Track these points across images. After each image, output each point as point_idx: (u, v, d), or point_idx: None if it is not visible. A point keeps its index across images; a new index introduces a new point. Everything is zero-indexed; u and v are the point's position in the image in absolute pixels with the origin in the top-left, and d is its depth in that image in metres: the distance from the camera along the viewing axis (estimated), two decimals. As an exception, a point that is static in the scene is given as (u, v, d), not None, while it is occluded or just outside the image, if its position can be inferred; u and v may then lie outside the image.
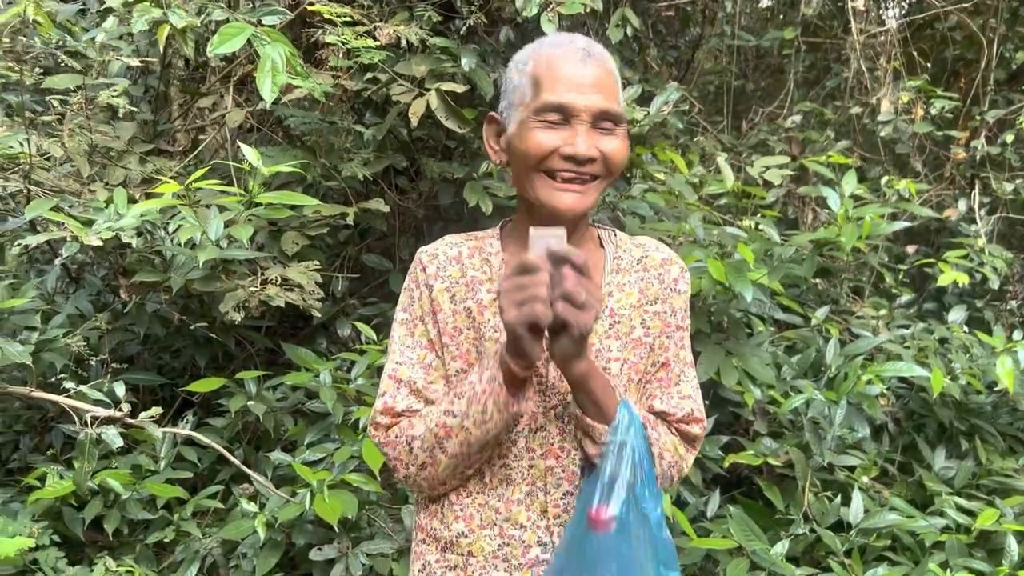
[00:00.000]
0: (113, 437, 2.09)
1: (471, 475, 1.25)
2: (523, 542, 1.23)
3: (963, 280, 3.40)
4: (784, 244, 3.19)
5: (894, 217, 3.55)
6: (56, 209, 2.27)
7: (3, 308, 2.21)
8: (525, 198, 1.24)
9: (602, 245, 1.33)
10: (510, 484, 1.24)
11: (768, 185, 4.21)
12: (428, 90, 2.75)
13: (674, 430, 1.31)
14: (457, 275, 1.27)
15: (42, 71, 2.89)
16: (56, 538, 2.44)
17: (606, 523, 1.11)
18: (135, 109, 2.80)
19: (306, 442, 2.73)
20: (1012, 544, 2.51)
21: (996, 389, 3.06)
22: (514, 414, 1.16)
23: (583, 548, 1.13)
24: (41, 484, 2.44)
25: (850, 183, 3.05)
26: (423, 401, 1.26)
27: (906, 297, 3.91)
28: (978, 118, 4.16)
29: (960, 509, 2.69)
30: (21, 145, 2.34)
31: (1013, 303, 3.66)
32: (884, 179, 3.45)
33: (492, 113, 1.28)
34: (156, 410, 2.20)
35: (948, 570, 2.47)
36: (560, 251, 1.06)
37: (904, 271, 4.07)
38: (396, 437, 1.25)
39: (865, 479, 2.87)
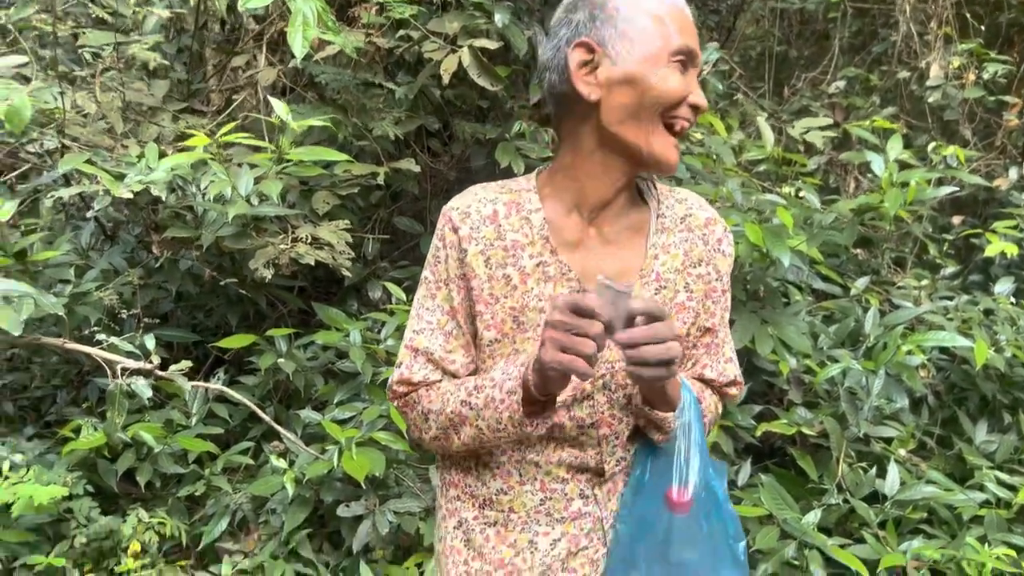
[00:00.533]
0: (143, 388, 2.10)
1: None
2: (565, 495, 1.20)
3: (1012, 251, 3.28)
4: (825, 211, 3.10)
5: (941, 185, 3.44)
6: (89, 163, 2.28)
7: (38, 260, 2.23)
8: (622, 140, 1.13)
9: (644, 201, 1.25)
10: (551, 442, 1.19)
11: (809, 151, 4.11)
12: (460, 47, 2.70)
13: (718, 393, 1.31)
14: (493, 237, 1.17)
15: (76, 25, 2.90)
16: (90, 488, 2.48)
17: (685, 505, 1.13)
18: (168, 65, 2.79)
19: (335, 401, 2.74)
20: (1055, 520, 2.44)
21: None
22: (527, 434, 1.12)
23: (659, 527, 1.14)
24: (76, 436, 2.48)
25: (895, 147, 2.94)
26: (440, 371, 1.21)
27: (950, 269, 3.79)
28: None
29: (1001, 484, 2.62)
30: (55, 99, 2.35)
31: (1063, 275, 3.52)
32: (931, 146, 3.32)
33: (586, 39, 1.12)
34: (186, 363, 2.21)
35: (987, 544, 2.40)
36: (638, 309, 0.99)
37: (949, 242, 3.95)
38: (414, 404, 1.22)
39: (902, 451, 2.80)
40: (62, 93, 2.32)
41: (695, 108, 1.13)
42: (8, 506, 2.33)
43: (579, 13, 1.15)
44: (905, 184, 2.83)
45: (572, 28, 1.15)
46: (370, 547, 2.56)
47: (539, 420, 1.11)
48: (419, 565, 2.50)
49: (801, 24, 5.71)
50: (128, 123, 2.83)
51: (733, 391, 1.31)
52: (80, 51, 2.65)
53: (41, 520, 2.38)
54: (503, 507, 1.21)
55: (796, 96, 4.54)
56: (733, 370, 1.31)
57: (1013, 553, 2.37)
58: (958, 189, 3.24)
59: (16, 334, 1.92)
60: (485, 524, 1.22)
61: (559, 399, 1.14)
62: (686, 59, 1.11)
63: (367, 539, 2.45)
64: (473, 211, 1.19)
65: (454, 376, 1.22)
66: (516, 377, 1.09)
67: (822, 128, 3.40)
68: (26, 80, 2.54)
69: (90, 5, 2.85)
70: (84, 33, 2.82)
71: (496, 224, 1.18)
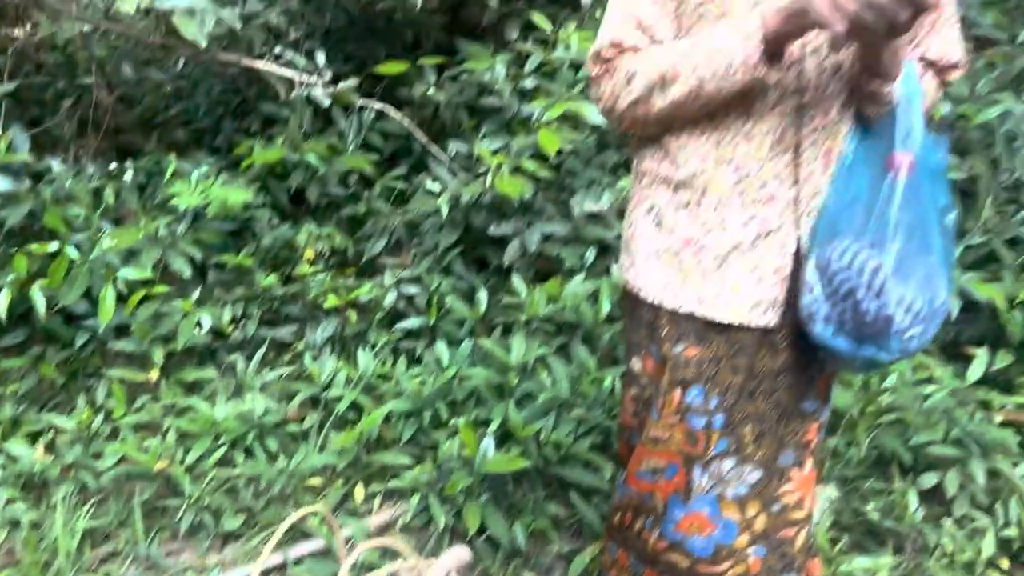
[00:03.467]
0: (323, 98, 2.24)
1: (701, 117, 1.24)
2: (760, 176, 1.22)
3: None
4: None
5: None
6: None
7: (209, -21, 2.32)
8: None
9: None
10: (751, 118, 1.21)
11: None
12: None
13: (936, 75, 1.29)
14: None
15: None
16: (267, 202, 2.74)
17: (909, 166, 1.15)
18: None
19: (482, 134, 2.84)
20: None
21: None
22: (759, 79, 1.13)
23: (879, 193, 1.17)
24: (249, 155, 2.70)
25: None
26: (649, 38, 1.24)
27: None
28: None
29: None
30: None
31: None
32: None
33: None
34: (353, 81, 2.33)
35: None
36: None
37: None
38: (616, 69, 1.25)
39: (1052, 201, 2.73)
40: None
41: None
42: (198, 213, 2.62)
43: None
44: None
45: None
46: (514, 266, 2.77)
47: (777, 65, 1.14)
48: (561, 285, 2.70)
49: None
50: None
51: (955, 74, 1.30)
52: None
53: (229, 226, 2.66)
54: (698, 188, 1.25)
55: None
56: (957, 52, 1.28)
57: None
58: None
59: (203, 45, 2.05)
60: (678, 205, 1.28)
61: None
62: None
63: (515, 257, 2.64)
64: None
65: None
66: (755, 22, 1.11)
67: None
68: None
69: None
70: None
71: None
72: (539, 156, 2.70)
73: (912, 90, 1.17)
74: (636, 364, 1.41)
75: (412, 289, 2.66)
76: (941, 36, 1.27)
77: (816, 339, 1.22)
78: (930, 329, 1.18)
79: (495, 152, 2.76)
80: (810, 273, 1.21)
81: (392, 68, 2.71)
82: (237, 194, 2.37)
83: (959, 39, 1.28)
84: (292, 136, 2.34)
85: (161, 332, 2.40)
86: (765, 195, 1.23)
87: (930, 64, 1.28)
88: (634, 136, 1.37)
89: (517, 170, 2.65)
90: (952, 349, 2.62)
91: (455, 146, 2.87)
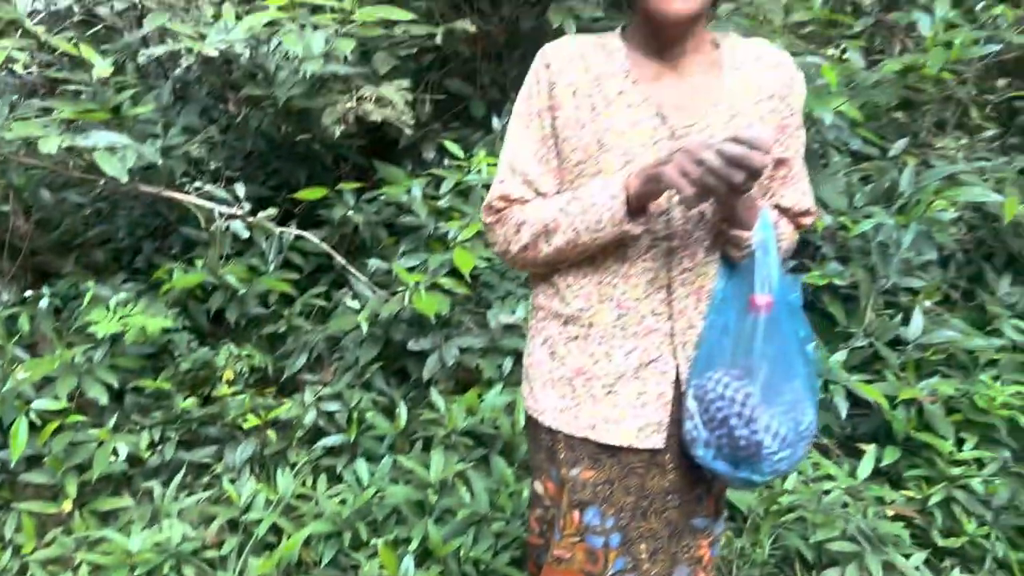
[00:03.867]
0: (241, 230, 2.33)
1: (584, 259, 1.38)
2: (639, 312, 1.35)
3: (1052, 113, 3.34)
4: (868, 72, 3.16)
5: (992, 44, 3.44)
6: (169, 22, 2.42)
7: (131, 115, 2.42)
8: (641, 7, 1.28)
9: (717, 46, 1.39)
10: (626, 261, 1.35)
11: (856, 13, 4.09)
12: (516, -95, 2.74)
13: (791, 221, 1.47)
14: (581, 71, 1.33)
15: None
16: (187, 324, 2.77)
17: (768, 306, 1.29)
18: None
19: (400, 251, 2.96)
20: (1065, 362, 2.64)
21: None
22: (626, 232, 1.29)
23: (744, 329, 1.30)
24: (169, 279, 2.74)
25: (943, 6, 2.97)
26: (533, 192, 1.39)
27: (991, 131, 3.85)
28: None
29: (1018, 330, 2.81)
30: (134, -40, 2.47)
31: (1102, 137, 3.57)
32: (980, 5, 3.33)
33: None
34: (272, 210, 2.43)
35: (999, 383, 2.62)
36: (741, 135, 1.11)
37: (992, 104, 3.98)
38: (507, 218, 1.39)
39: (928, 303, 2.98)
40: (140, -46, 2.44)
41: None
42: (116, 338, 2.63)
43: None
44: (949, 44, 2.88)
45: None
46: (434, 380, 2.85)
47: (639, 220, 1.29)
48: (479, 396, 2.78)
49: None
50: (195, -16, 2.94)
51: (807, 220, 1.48)
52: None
53: (147, 351, 2.68)
54: (584, 323, 1.39)
55: (847, -46, 4.45)
56: (808, 201, 1.46)
57: (1023, 389, 2.59)
58: (999, 48, 3.26)
59: (124, 181, 2.13)
60: (568, 338, 1.41)
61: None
62: None
63: (434, 371, 2.73)
64: (564, 51, 1.36)
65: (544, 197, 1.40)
66: (619, 183, 1.27)
67: (871, -13, 3.39)
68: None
69: None
70: None
71: (584, 61, 1.35)
72: (455, 272, 2.82)
73: (768, 237, 1.32)
74: (539, 486, 1.50)
75: (332, 406, 2.71)
76: (793, 187, 1.45)
77: (698, 462, 1.33)
78: (799, 451, 1.31)
79: (413, 269, 2.88)
80: (690, 401, 1.34)
81: (311, 194, 2.83)
82: (156, 321, 2.41)
83: (809, 190, 1.47)
84: (212, 264, 2.41)
85: (75, 462, 2.37)
86: (644, 328, 1.37)
87: (784, 211, 1.46)
88: (529, 274, 1.50)
89: (435, 286, 2.77)
90: (848, 445, 2.79)
91: (374, 263, 2.98)
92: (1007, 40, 3.40)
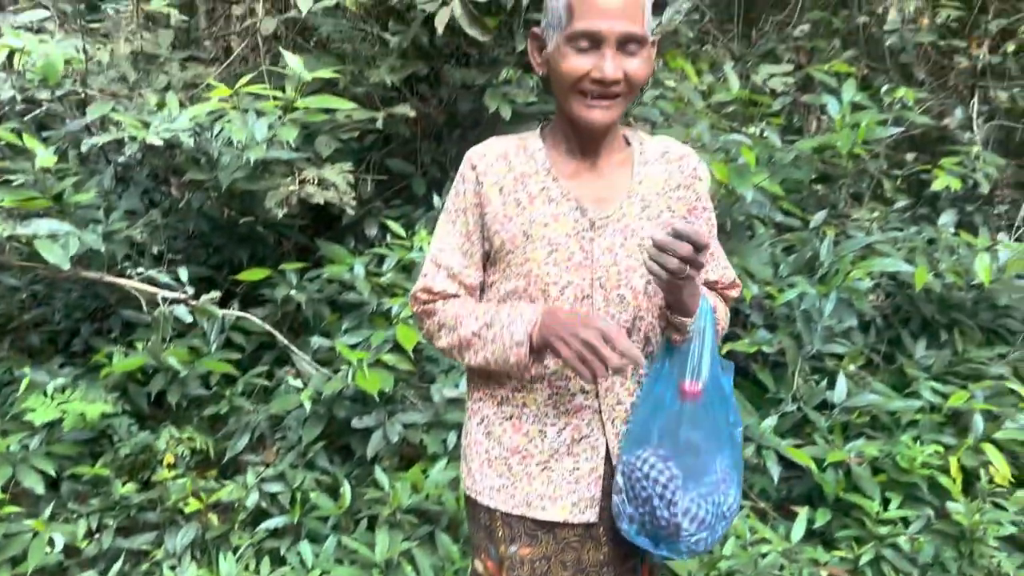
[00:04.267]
0: (184, 314, 2.36)
1: None
2: (569, 391, 1.45)
3: (955, 185, 3.59)
4: (786, 150, 3.37)
5: (897, 124, 3.70)
6: (113, 111, 2.48)
7: (73, 202, 2.44)
8: (560, 107, 1.42)
9: (628, 144, 1.53)
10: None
11: (774, 93, 4.36)
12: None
13: (721, 296, 1.59)
14: (505, 171, 1.45)
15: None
16: (127, 408, 2.75)
17: (696, 395, 1.38)
18: (175, 15, 2.95)
19: (343, 328, 3.00)
20: (979, 422, 2.80)
21: (974, 284, 3.29)
22: (528, 367, 1.38)
23: (672, 411, 1.39)
24: (108, 362, 2.73)
25: (849, 91, 3.21)
26: (458, 283, 1.48)
27: (903, 202, 4.10)
28: (983, 27, 4.26)
29: (935, 392, 2.97)
30: (78, 52, 2.53)
31: (1001, 207, 3.85)
32: (884, 88, 3.59)
33: (535, 29, 1.44)
34: (216, 293, 2.46)
35: (919, 443, 2.76)
36: (678, 228, 1.24)
37: (902, 177, 4.25)
38: (432, 313, 1.49)
39: (852, 367, 3.14)
40: (85, 46, 2.50)
41: (598, 81, 1.34)
42: (53, 424, 2.60)
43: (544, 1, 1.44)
44: (857, 125, 3.11)
45: (522, 24, 1.44)
46: (378, 457, 2.86)
47: (535, 364, 1.41)
48: (424, 472, 2.80)
49: (770, -34, 5.88)
50: (138, 72, 3.01)
51: (734, 292, 1.60)
52: (104, 6, 2.81)
53: (86, 437, 2.65)
54: (517, 403, 1.47)
55: (763, 39, 4.77)
56: (731, 273, 1.58)
57: (941, 449, 2.73)
58: (903, 129, 3.51)
59: (65, 268, 2.15)
60: (503, 418, 1.49)
61: (563, 297, 1.42)
62: (589, 40, 1.33)
63: (379, 448, 2.75)
64: (489, 152, 1.48)
65: (468, 289, 1.49)
66: (524, 333, 1.36)
67: (782, 74, 3.64)
68: (43, 32, 2.71)
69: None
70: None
71: (507, 161, 1.47)
72: (399, 348, 2.87)
73: (707, 325, 1.41)
74: (479, 565, 1.54)
75: (275, 487, 2.70)
76: (715, 264, 1.58)
77: (624, 535, 1.40)
78: (717, 532, 1.40)
79: (356, 346, 2.92)
80: (619, 476, 1.41)
81: (253, 275, 2.87)
82: (95, 407, 2.39)
83: (728, 265, 1.60)
84: (154, 348, 2.42)
85: (9, 554, 2.31)
86: (575, 406, 1.45)
87: (712, 285, 1.58)
88: None
89: (378, 363, 2.81)
90: (784, 508, 2.89)
91: (317, 341, 3.01)
92: (910, 120, 3.67)
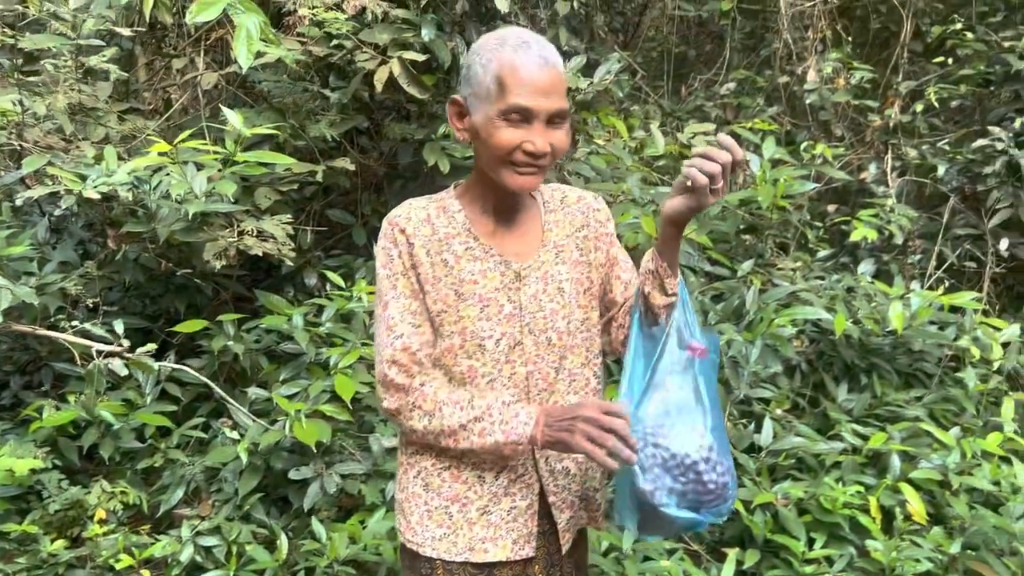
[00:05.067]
0: (120, 368, 2.34)
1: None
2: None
3: (872, 236, 3.80)
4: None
5: (819, 179, 3.91)
6: (49, 164, 2.48)
7: (5, 255, 2.42)
8: (486, 173, 1.49)
9: (534, 197, 1.63)
10: (492, 391, 1.49)
11: (704, 148, 4.55)
12: (390, 57, 3.00)
13: None
14: (429, 233, 1.50)
15: (14, 34, 3.05)
16: (57, 463, 2.70)
17: (704, 351, 1.43)
18: (114, 70, 2.98)
19: (281, 379, 3.01)
20: (895, 461, 2.93)
21: (887, 330, 3.47)
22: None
23: (689, 372, 1.42)
24: (39, 416, 2.69)
25: (770, 147, 3.39)
26: (423, 355, 1.49)
27: (825, 252, 4.31)
28: (895, 88, 4.55)
29: (856, 434, 3.11)
30: (14, 105, 2.54)
31: (914, 256, 4.08)
32: (803, 145, 3.80)
33: (456, 97, 1.50)
34: (152, 345, 2.46)
35: (841, 483, 2.88)
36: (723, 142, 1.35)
37: (824, 228, 4.46)
38: (401, 391, 1.48)
39: (778, 411, 3.26)
40: (22, 99, 2.51)
41: (530, 154, 1.43)
42: (-21, 481, 2.54)
43: (463, 69, 1.52)
44: (777, 180, 3.28)
45: (459, 82, 1.53)
46: (316, 508, 2.86)
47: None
48: (362, 522, 2.81)
49: (699, 26, 6.19)
50: (75, 124, 3.02)
51: None
52: (40, 60, 2.82)
53: (14, 493, 2.59)
54: (455, 452, 1.50)
55: (692, 96, 4.99)
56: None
57: (863, 489, 2.85)
58: (819, 185, 3.72)
59: (-2, 322, 2.13)
60: (441, 468, 1.53)
61: (497, 348, 1.48)
62: (519, 115, 1.42)
63: (316, 499, 2.75)
64: (413, 216, 1.53)
65: (431, 358, 1.51)
66: (525, 436, 1.41)
67: (705, 132, 3.83)
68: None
69: (30, 9, 3.02)
70: (30, 36, 2.98)
71: (430, 223, 1.53)
72: (337, 398, 2.89)
73: (684, 295, 1.48)
74: (417, 614, 1.57)
75: (210, 540, 2.67)
76: (632, 271, 1.65)
77: (662, 511, 1.41)
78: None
79: (293, 397, 2.92)
80: (643, 457, 1.40)
81: (190, 327, 2.87)
82: (24, 463, 2.35)
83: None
84: (87, 402, 2.40)
85: (-73, 618, 2.24)
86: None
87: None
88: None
89: (316, 413, 2.82)
90: (717, 550, 2.96)
91: (254, 392, 3.01)
92: (828, 175, 3.88)
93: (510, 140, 1.41)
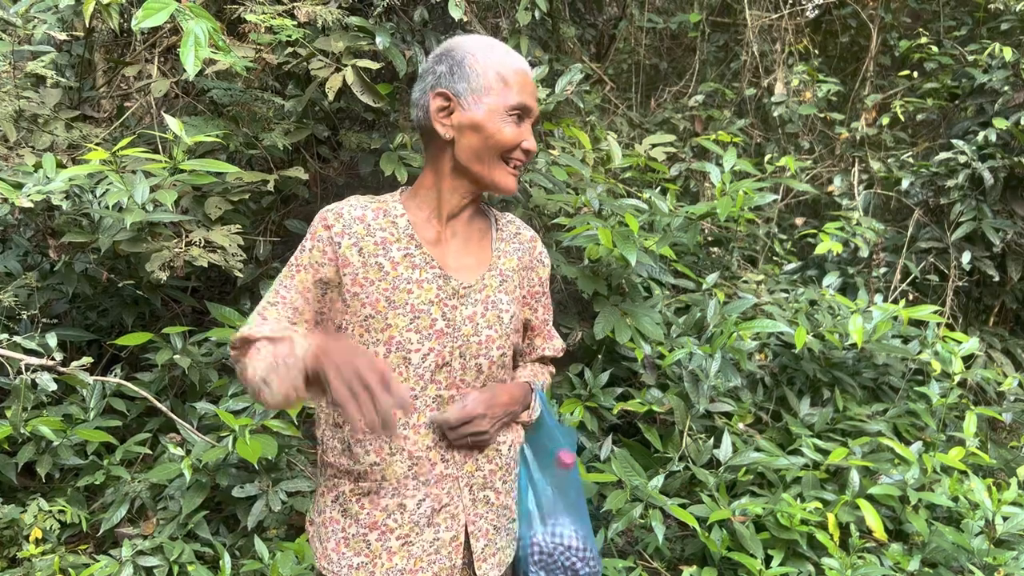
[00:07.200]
0: (47, 382, 2.26)
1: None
2: (430, 460, 1.44)
3: (837, 249, 3.78)
4: (673, 215, 3.49)
5: (787, 192, 3.90)
6: (-14, 172, 2.41)
7: (-64, 265, 2.35)
8: (471, 171, 1.44)
9: (485, 215, 1.59)
10: (415, 412, 1.43)
11: (673, 160, 4.53)
12: (345, 65, 2.94)
13: (550, 363, 1.74)
14: (363, 233, 1.43)
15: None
16: (-10, 481, 2.61)
17: (572, 464, 1.53)
18: (61, 79, 2.91)
19: (229, 393, 2.93)
20: (855, 477, 2.89)
21: (849, 344, 3.44)
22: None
23: (557, 483, 1.55)
24: (-27, 432, 2.59)
25: (731, 159, 3.36)
26: (280, 331, 1.38)
27: (792, 264, 4.29)
28: (861, 102, 4.55)
29: (817, 449, 3.07)
30: (-49, 111, 2.46)
31: (879, 270, 4.06)
32: (767, 157, 3.78)
33: (443, 90, 1.42)
34: (87, 359, 2.38)
35: (800, 499, 2.83)
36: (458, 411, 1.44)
37: (792, 241, 4.45)
38: (240, 363, 1.39)
39: (740, 425, 3.22)
40: (-42, 105, 2.44)
41: (527, 151, 1.46)
42: (-92, 500, 2.44)
43: (442, 66, 1.45)
44: (737, 192, 3.25)
45: (435, 77, 1.46)
46: (264, 526, 2.78)
47: (311, 396, 1.32)
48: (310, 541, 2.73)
49: (671, 39, 6.18)
50: (20, 132, 2.94)
51: (561, 353, 1.73)
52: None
53: (-58, 512, 2.49)
54: (376, 477, 1.43)
55: (660, 108, 4.97)
56: (560, 343, 1.73)
57: (821, 505, 2.81)
58: (778, 197, 3.70)
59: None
60: (360, 494, 1.45)
61: (424, 364, 1.42)
62: (521, 113, 1.44)
63: (261, 517, 2.67)
64: (345, 213, 1.46)
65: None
66: (300, 354, 1.24)
67: (665, 144, 3.81)
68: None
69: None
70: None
71: (366, 223, 1.46)
72: (285, 414, 2.82)
73: (546, 409, 1.57)
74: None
75: (152, 560, 2.58)
76: (550, 339, 1.71)
77: None
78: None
79: (241, 412, 2.85)
80: (530, 558, 1.54)
81: (134, 339, 2.79)
82: (-50, 481, 2.26)
83: (557, 335, 1.74)
84: (15, 418, 2.32)
85: None
86: (436, 475, 1.44)
87: (544, 360, 1.71)
88: (319, 433, 1.53)
89: (264, 429, 2.75)
90: (676, 567, 2.91)
91: (203, 407, 2.93)
92: (793, 188, 3.86)
93: (515, 136, 1.43)
